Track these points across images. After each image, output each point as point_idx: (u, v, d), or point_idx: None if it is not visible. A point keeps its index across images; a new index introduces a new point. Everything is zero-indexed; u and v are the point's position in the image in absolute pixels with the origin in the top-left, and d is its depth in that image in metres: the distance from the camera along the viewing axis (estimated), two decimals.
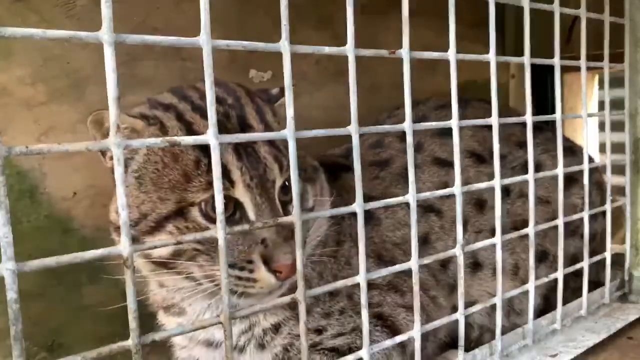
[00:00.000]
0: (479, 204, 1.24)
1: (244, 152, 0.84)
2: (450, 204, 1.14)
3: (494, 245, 0.90)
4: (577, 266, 1.08)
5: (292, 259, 0.79)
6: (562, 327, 1.05)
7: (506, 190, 1.25)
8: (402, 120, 0.75)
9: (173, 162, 0.84)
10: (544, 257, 1.25)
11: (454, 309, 0.87)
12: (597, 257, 1.13)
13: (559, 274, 1.03)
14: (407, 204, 0.77)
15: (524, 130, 0.95)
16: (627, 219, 1.19)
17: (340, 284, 0.73)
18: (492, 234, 0.92)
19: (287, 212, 0.87)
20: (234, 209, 0.84)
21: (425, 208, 1.20)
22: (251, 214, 0.83)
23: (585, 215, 1.08)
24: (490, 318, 1.21)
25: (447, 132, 0.84)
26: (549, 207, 1.23)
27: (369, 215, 1.11)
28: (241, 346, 1.00)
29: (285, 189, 0.88)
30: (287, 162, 0.86)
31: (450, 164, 0.83)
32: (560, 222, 1.01)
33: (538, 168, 1.27)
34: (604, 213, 1.20)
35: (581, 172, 1.08)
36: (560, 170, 1.00)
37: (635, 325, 1.10)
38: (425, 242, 1.19)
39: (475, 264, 1.23)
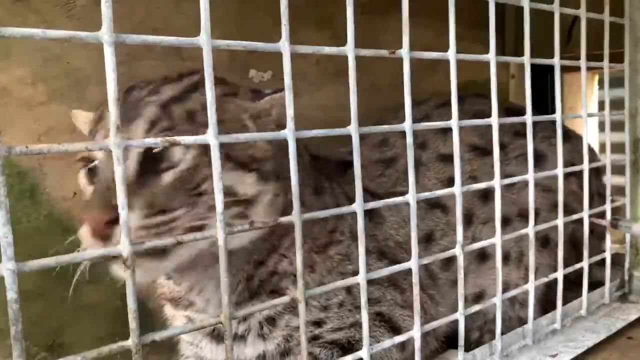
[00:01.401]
0: (484, 195, 1.25)
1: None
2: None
3: (502, 234, 0.90)
4: (577, 266, 1.08)
5: (96, 214, 0.75)
6: (562, 327, 1.05)
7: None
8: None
9: None
10: (547, 243, 1.25)
11: (456, 305, 0.87)
12: (597, 257, 1.13)
13: (559, 274, 1.03)
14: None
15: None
16: (627, 219, 1.19)
17: (340, 284, 0.73)
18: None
19: (156, 182, 0.80)
20: None
21: (431, 204, 1.20)
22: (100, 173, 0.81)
23: (585, 215, 1.08)
24: (508, 307, 1.24)
25: (450, 128, 0.84)
26: (550, 194, 1.24)
27: (373, 212, 1.10)
28: (240, 335, 1.00)
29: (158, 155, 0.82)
30: (164, 123, 0.82)
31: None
32: (560, 222, 1.01)
33: (540, 158, 1.27)
34: (599, 194, 1.20)
35: (578, 157, 1.08)
36: (560, 171, 1.00)
37: (635, 325, 1.10)
38: (429, 239, 1.19)
39: (482, 255, 1.22)
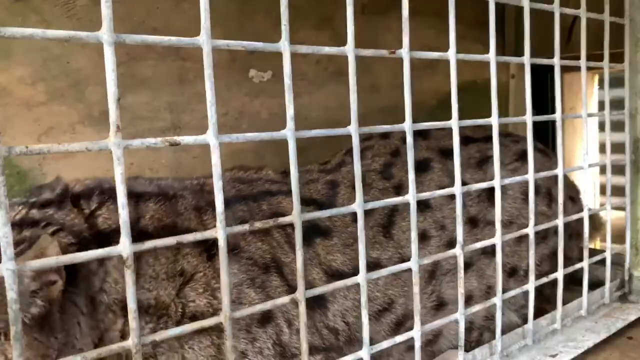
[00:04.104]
0: (431, 274, 1.19)
1: None
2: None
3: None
4: (577, 266, 1.08)
5: None
6: (562, 327, 1.05)
7: (424, 237, 1.18)
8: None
9: None
10: (514, 273, 1.23)
11: None
12: (598, 257, 1.13)
13: (559, 274, 1.03)
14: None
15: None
16: (627, 219, 1.19)
17: (340, 283, 0.73)
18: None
19: None
20: None
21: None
22: None
23: (586, 215, 1.08)
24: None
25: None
26: (513, 227, 1.21)
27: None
28: None
29: None
30: None
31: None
32: (560, 222, 1.01)
33: (473, 221, 1.22)
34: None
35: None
36: (560, 171, 1.01)
37: (635, 325, 1.10)
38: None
39: (440, 305, 1.19)
